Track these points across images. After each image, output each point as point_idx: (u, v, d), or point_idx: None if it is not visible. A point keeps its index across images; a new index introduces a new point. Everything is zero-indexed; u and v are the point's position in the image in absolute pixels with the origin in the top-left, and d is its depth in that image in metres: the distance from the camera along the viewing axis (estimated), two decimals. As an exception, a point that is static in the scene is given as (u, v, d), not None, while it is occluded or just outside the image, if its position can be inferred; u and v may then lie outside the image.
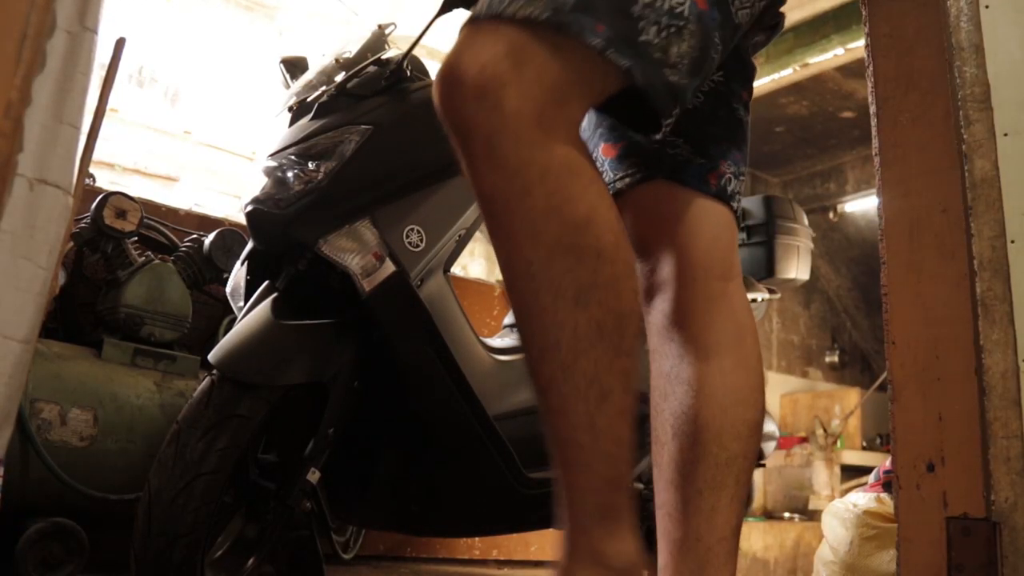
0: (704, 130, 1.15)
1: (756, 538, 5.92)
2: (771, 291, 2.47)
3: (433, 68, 1.90)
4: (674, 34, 0.90)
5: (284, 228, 1.58)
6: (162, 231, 2.52)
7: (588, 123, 1.18)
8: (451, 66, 0.84)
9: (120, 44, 2.32)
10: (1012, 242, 1.23)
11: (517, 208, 0.82)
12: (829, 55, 5.80)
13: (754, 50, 1.23)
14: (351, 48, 1.77)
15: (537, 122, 0.81)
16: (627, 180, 1.14)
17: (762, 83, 6.02)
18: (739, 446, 1.10)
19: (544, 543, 3.30)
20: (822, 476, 6.68)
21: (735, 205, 1.17)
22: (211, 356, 1.50)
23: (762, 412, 1.15)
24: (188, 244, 2.48)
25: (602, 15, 0.85)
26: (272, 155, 1.67)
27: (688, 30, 0.91)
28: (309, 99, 1.72)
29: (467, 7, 1.67)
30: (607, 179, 1.15)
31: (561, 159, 0.83)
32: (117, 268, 2.31)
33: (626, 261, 0.87)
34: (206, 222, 2.73)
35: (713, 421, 1.09)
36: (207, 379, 1.48)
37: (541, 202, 0.82)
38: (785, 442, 6.92)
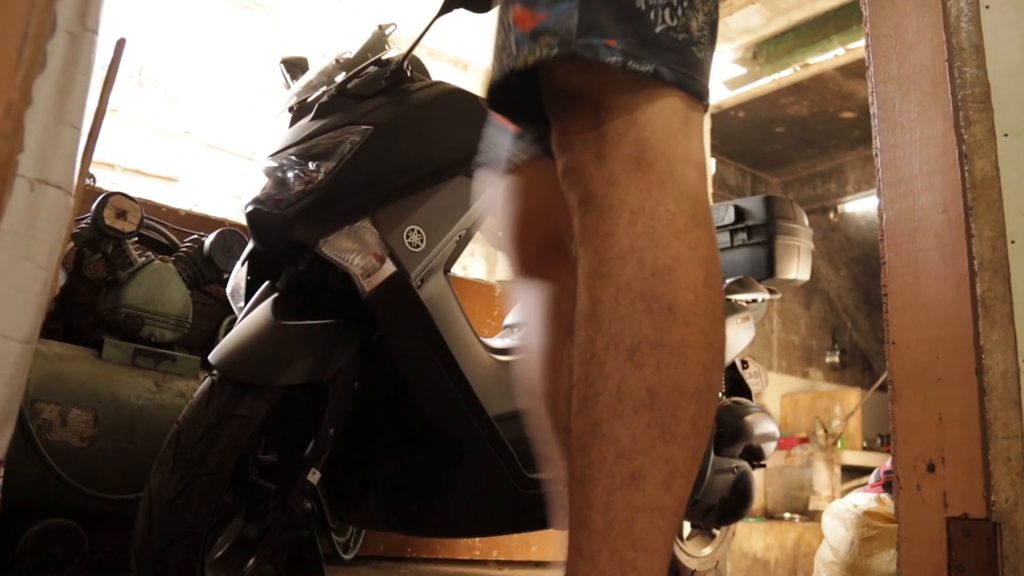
0: None
1: (756, 538, 5.92)
2: (771, 291, 2.47)
3: (433, 68, 1.91)
4: (688, 8, 0.83)
5: (284, 228, 1.58)
6: (162, 231, 2.52)
7: None
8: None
9: (120, 44, 2.32)
10: (1012, 242, 1.23)
11: (600, 248, 0.76)
12: (829, 55, 5.80)
13: None
14: (351, 48, 1.77)
15: (629, 160, 0.77)
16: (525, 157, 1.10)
17: (763, 83, 6.02)
18: None
19: (545, 543, 3.30)
20: (822, 476, 6.68)
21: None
22: (211, 356, 1.50)
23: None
24: (188, 244, 2.48)
25: (610, 27, 0.78)
26: (272, 155, 1.67)
27: (706, 22, 0.84)
28: (309, 99, 1.72)
29: (467, 7, 1.67)
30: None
31: (654, 202, 0.76)
32: (117, 268, 2.31)
33: (703, 329, 0.74)
34: (206, 222, 2.73)
35: None
36: (207, 379, 1.48)
37: (625, 242, 0.75)
38: (785, 442, 6.92)
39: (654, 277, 0.73)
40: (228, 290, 1.83)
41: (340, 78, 1.70)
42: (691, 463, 0.72)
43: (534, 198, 1.10)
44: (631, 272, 0.73)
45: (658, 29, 0.80)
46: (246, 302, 1.71)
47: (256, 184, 1.68)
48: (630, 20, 0.79)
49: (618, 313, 0.73)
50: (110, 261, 2.32)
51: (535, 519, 1.98)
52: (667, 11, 0.81)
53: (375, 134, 1.61)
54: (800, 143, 7.64)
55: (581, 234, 0.78)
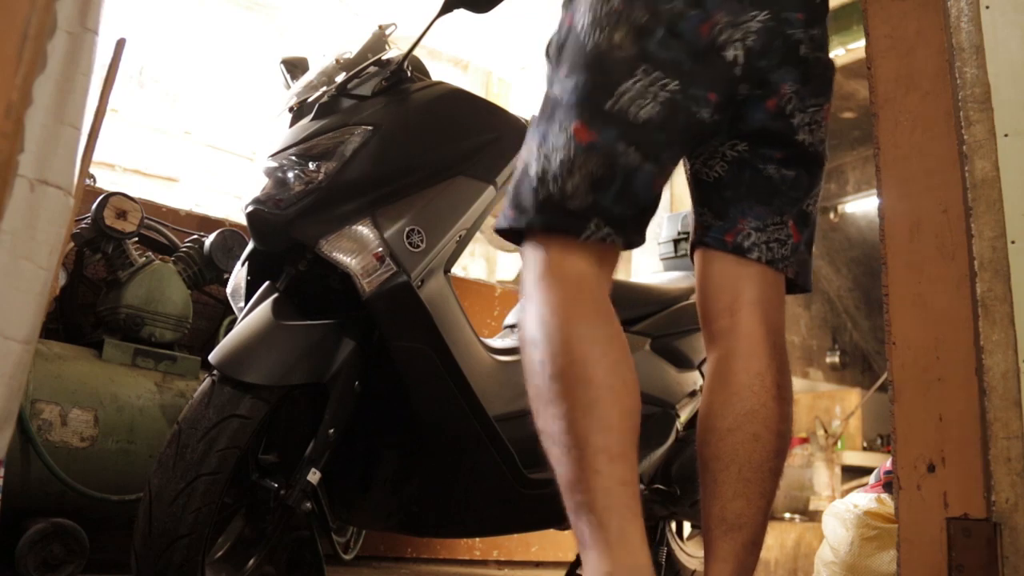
0: (721, 195, 1.30)
1: (756, 538, 5.91)
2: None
3: (433, 68, 1.91)
4: (565, 175, 1.14)
5: (285, 229, 1.58)
6: (163, 231, 2.52)
7: None
8: None
9: (121, 45, 2.32)
10: (1012, 243, 1.23)
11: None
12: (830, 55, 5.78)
13: (808, 107, 1.29)
14: (351, 49, 1.77)
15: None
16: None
17: (762, 83, 6.01)
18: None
19: (545, 543, 3.30)
20: (823, 477, 6.68)
21: (755, 255, 1.27)
22: (211, 357, 1.50)
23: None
24: (188, 244, 2.48)
25: (511, 202, 1.19)
26: (273, 156, 1.67)
27: (576, 164, 1.14)
28: (310, 100, 1.72)
29: (467, 7, 1.67)
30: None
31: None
32: (118, 268, 2.31)
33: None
34: (206, 222, 2.73)
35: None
36: (207, 380, 1.48)
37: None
38: (785, 442, 6.90)
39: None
40: (228, 290, 1.83)
41: (340, 78, 1.70)
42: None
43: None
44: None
45: (541, 197, 1.16)
46: (246, 302, 1.71)
47: (256, 184, 1.68)
48: (520, 193, 1.20)
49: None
50: (110, 261, 2.32)
51: (535, 519, 1.98)
52: (552, 183, 1.17)
53: (375, 134, 1.61)
54: (800, 143, 7.63)
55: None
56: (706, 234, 1.31)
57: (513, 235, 1.21)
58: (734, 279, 1.28)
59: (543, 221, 1.16)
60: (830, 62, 1.33)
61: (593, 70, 1.19)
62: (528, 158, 1.20)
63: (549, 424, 1.12)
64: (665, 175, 1.21)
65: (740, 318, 1.27)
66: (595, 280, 1.16)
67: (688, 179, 1.38)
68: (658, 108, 1.17)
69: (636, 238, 1.21)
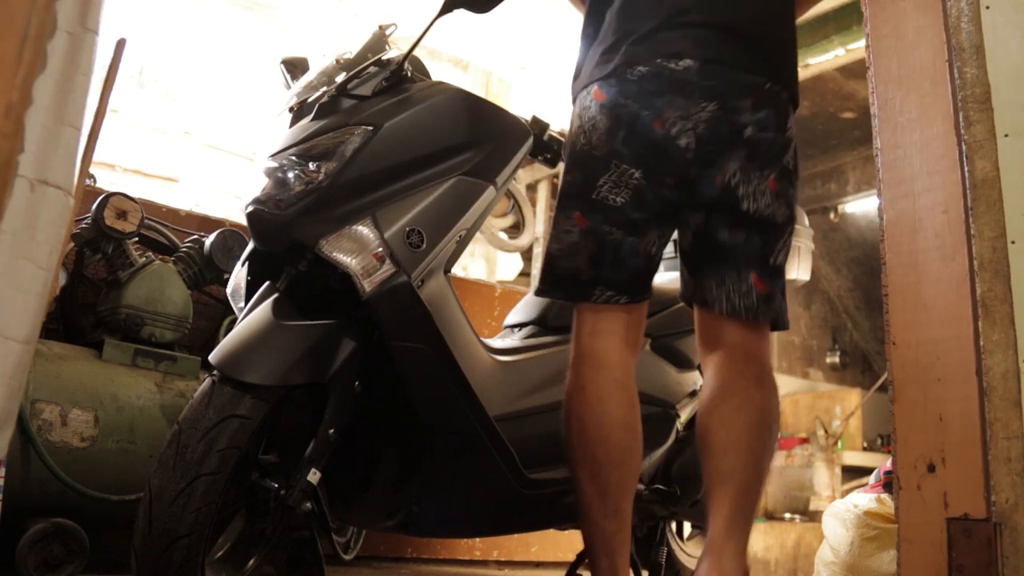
0: (692, 260, 1.56)
1: (757, 539, 5.92)
2: (771, 291, 2.46)
3: (433, 68, 1.91)
4: (573, 255, 1.53)
5: (285, 229, 1.58)
6: (163, 232, 2.52)
7: None
8: None
9: (121, 45, 2.32)
10: (1012, 243, 1.23)
11: None
12: (830, 55, 5.80)
13: (752, 179, 1.51)
14: (352, 49, 1.77)
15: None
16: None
17: (763, 83, 6.01)
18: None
19: (545, 544, 3.30)
20: (823, 477, 6.68)
21: (717, 308, 1.51)
22: (211, 357, 1.50)
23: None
24: (189, 245, 2.48)
25: (541, 274, 1.60)
26: (273, 156, 1.66)
27: (579, 246, 1.52)
28: (310, 100, 1.72)
29: (467, 7, 1.67)
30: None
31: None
32: (118, 269, 2.31)
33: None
34: (207, 223, 2.73)
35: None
36: (207, 380, 1.48)
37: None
38: (786, 443, 6.92)
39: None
40: (228, 290, 1.83)
41: (340, 78, 1.70)
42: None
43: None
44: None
45: (556, 271, 1.60)
46: (246, 302, 1.70)
47: (256, 184, 1.68)
48: (547, 269, 1.60)
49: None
50: (110, 261, 2.32)
51: (536, 519, 1.98)
52: (563, 262, 1.58)
53: (375, 134, 1.61)
54: (800, 143, 7.62)
55: None
56: (686, 291, 1.59)
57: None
58: (711, 327, 1.54)
59: (566, 293, 1.57)
60: (777, 138, 1.51)
61: (582, 168, 1.53)
62: (552, 239, 1.57)
63: (572, 478, 1.53)
64: (647, 241, 1.52)
65: (720, 357, 1.51)
66: (619, 350, 1.52)
67: (675, 247, 1.66)
68: (629, 193, 1.49)
69: (638, 294, 1.55)
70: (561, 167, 2.04)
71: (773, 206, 1.50)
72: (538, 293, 1.63)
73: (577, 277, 1.52)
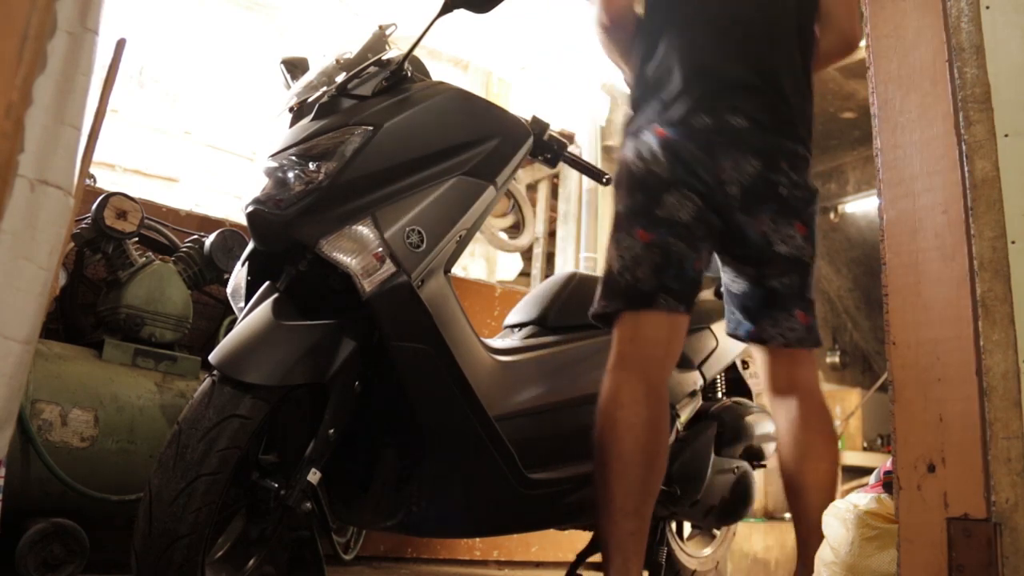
0: (744, 304, 1.81)
1: (757, 539, 5.92)
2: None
3: (433, 68, 1.91)
4: (635, 267, 1.68)
5: (285, 229, 1.58)
6: (163, 232, 2.52)
7: None
8: None
9: (121, 45, 2.32)
10: (1013, 243, 1.23)
11: None
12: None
13: (781, 227, 1.77)
14: (352, 49, 1.77)
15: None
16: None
17: (763, 83, 6.01)
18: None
19: (545, 544, 3.30)
20: (823, 476, 6.67)
21: (773, 344, 1.79)
22: (212, 357, 1.50)
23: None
24: (189, 245, 2.48)
25: (603, 294, 1.73)
26: (273, 156, 1.66)
27: (642, 258, 1.67)
28: (310, 100, 1.72)
29: (467, 7, 1.67)
30: None
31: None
32: (118, 269, 2.31)
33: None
34: (207, 223, 2.73)
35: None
36: (208, 380, 1.48)
37: None
38: (786, 442, 6.90)
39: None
40: (228, 290, 1.83)
41: (340, 78, 1.70)
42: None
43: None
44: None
45: (622, 283, 1.70)
46: (246, 302, 1.70)
47: (257, 184, 1.68)
48: (610, 283, 1.74)
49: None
50: (110, 261, 2.32)
51: (536, 519, 1.98)
52: (627, 275, 1.71)
53: (375, 134, 1.61)
54: (800, 143, 7.62)
55: None
56: (738, 328, 1.83)
57: (604, 319, 1.72)
58: (773, 364, 1.84)
59: (627, 302, 1.67)
60: (804, 193, 1.77)
61: (645, 189, 1.71)
62: (611, 259, 1.72)
63: (597, 476, 1.63)
64: (703, 261, 1.72)
65: (799, 407, 1.81)
66: (659, 359, 1.68)
67: (721, 289, 1.91)
68: (692, 214, 1.68)
69: (690, 307, 1.71)
70: (561, 167, 2.05)
71: (803, 248, 1.75)
72: (595, 315, 1.73)
73: (640, 287, 1.66)
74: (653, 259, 1.66)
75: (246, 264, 1.75)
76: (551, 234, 7.02)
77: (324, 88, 1.71)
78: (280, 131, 1.75)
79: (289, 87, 1.88)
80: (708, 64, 1.75)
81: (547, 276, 3.96)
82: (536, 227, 6.02)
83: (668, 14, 1.82)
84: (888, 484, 2.36)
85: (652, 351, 1.67)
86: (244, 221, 1.68)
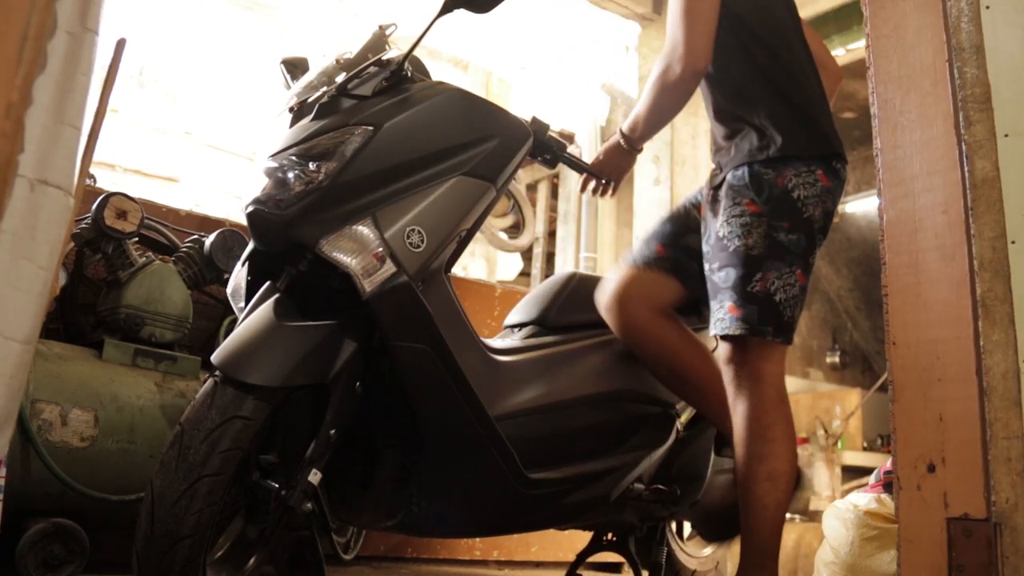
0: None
1: (756, 538, 5.91)
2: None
3: (433, 68, 1.91)
4: (795, 306, 1.80)
5: (285, 229, 1.58)
6: (163, 232, 2.52)
7: None
8: None
9: (121, 45, 2.32)
10: (1013, 243, 1.23)
11: None
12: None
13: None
14: (352, 49, 1.77)
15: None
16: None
17: (763, 83, 6.00)
18: None
19: (545, 543, 3.30)
20: (823, 477, 6.68)
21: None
22: (214, 357, 1.50)
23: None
24: (189, 245, 2.48)
25: (769, 320, 1.76)
26: (273, 156, 1.66)
27: (799, 300, 1.81)
28: (310, 100, 1.72)
29: (467, 7, 1.67)
30: None
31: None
32: (118, 269, 2.31)
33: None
34: (207, 223, 2.73)
35: None
36: (210, 380, 1.48)
37: None
38: (786, 442, 6.90)
39: None
40: (228, 290, 1.83)
41: (340, 78, 1.70)
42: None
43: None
44: None
45: (785, 319, 1.80)
46: (246, 302, 1.70)
47: (256, 184, 1.68)
48: (775, 317, 1.78)
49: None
50: (110, 261, 2.32)
51: (536, 519, 1.98)
52: (788, 311, 1.80)
53: (375, 134, 1.61)
54: (800, 143, 7.62)
55: None
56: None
57: (743, 339, 1.77)
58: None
59: (785, 337, 1.79)
60: None
61: (808, 235, 1.78)
62: (773, 287, 1.76)
63: (775, 498, 1.77)
64: None
65: None
66: (784, 379, 1.83)
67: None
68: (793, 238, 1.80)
69: None
70: (561, 167, 2.04)
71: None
72: (786, 340, 1.81)
73: (793, 326, 1.81)
74: (800, 305, 1.81)
75: (246, 264, 1.75)
76: (551, 234, 7.03)
77: (324, 88, 1.71)
78: (280, 131, 1.75)
79: (289, 87, 1.88)
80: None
81: (547, 276, 3.96)
82: (536, 227, 6.02)
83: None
84: (888, 484, 2.36)
85: (784, 387, 1.83)
86: (244, 221, 1.67)
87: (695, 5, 1.80)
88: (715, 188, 1.87)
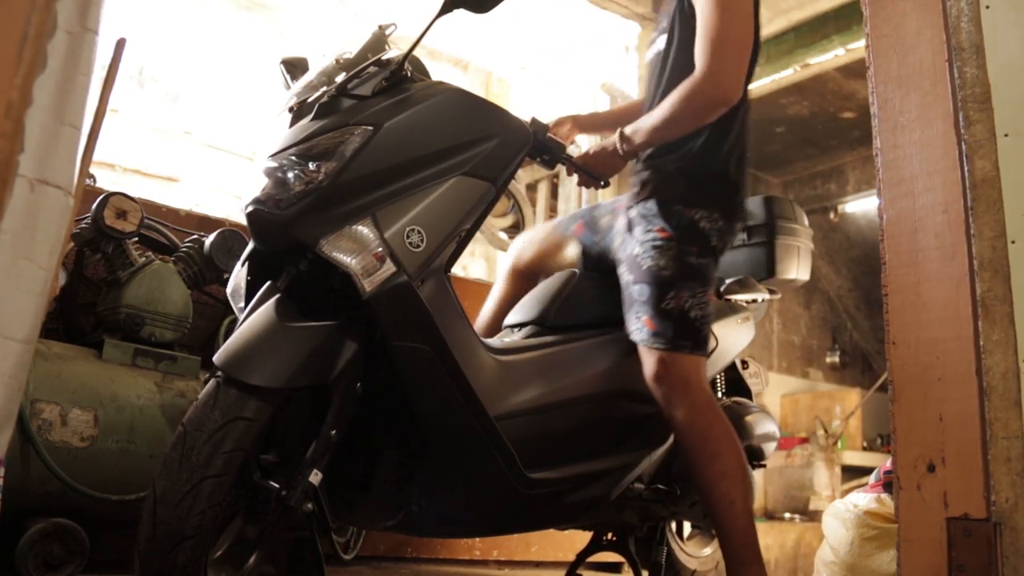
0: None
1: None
2: (771, 291, 2.47)
3: (433, 68, 1.91)
4: (706, 324, 1.90)
5: (284, 229, 1.58)
6: (163, 231, 2.52)
7: None
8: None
9: (121, 44, 2.32)
10: (1012, 242, 1.23)
11: None
12: (830, 55, 5.79)
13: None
14: (352, 49, 1.77)
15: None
16: None
17: (763, 83, 6.02)
18: None
19: (545, 544, 3.30)
20: (823, 476, 6.68)
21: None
22: (216, 358, 1.50)
23: None
24: (189, 244, 2.48)
25: (676, 331, 1.85)
26: (272, 155, 1.66)
27: (710, 318, 1.93)
28: (309, 100, 1.72)
29: (467, 7, 1.67)
30: None
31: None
32: (118, 268, 2.31)
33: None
34: (206, 222, 2.73)
35: None
36: (212, 381, 1.48)
37: None
38: (786, 443, 6.92)
39: None
40: (228, 290, 1.83)
41: (340, 78, 1.70)
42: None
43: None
44: None
45: (700, 335, 1.90)
46: (246, 303, 1.70)
47: (256, 184, 1.68)
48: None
49: None
50: (110, 261, 2.32)
51: (536, 519, 1.98)
52: (707, 328, 1.93)
53: (375, 134, 1.61)
54: (800, 143, 7.64)
55: None
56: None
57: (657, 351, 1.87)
58: None
59: (703, 350, 1.89)
60: None
61: (716, 262, 1.93)
62: (693, 307, 1.86)
63: (743, 498, 1.86)
64: None
65: None
66: (708, 384, 1.95)
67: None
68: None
69: None
70: (560, 168, 2.04)
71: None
72: (704, 353, 1.92)
73: (708, 340, 1.95)
74: (709, 324, 1.93)
75: (246, 264, 1.75)
76: (551, 234, 7.01)
77: (324, 88, 1.71)
78: (280, 131, 1.75)
79: (289, 87, 1.88)
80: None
81: (547, 276, 3.95)
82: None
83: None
84: (888, 484, 2.36)
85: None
86: (244, 221, 1.67)
87: (738, 34, 1.81)
88: (630, 208, 1.98)
